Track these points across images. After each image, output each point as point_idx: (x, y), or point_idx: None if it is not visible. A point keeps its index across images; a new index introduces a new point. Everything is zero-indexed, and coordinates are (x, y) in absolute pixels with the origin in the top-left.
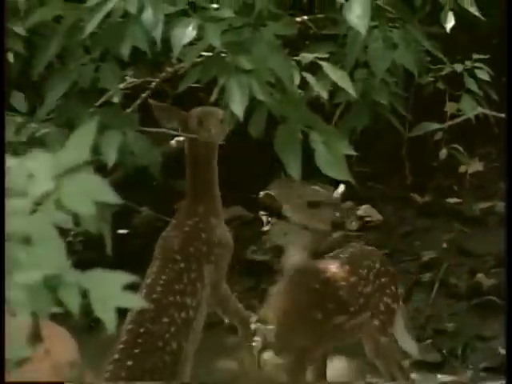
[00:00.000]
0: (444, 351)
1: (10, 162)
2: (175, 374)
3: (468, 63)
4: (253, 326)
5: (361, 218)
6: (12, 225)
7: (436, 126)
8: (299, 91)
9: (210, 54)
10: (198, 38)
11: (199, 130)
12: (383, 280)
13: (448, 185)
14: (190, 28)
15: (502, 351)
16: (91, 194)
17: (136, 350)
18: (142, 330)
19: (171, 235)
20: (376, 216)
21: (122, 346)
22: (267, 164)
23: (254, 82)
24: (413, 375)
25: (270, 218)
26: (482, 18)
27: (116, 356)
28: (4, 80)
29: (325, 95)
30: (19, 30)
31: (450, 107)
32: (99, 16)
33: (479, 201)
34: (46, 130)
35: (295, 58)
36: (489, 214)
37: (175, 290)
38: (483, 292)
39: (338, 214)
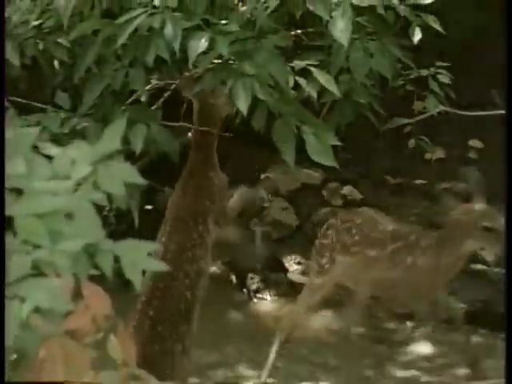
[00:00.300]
0: None
1: (56, 150)
2: (189, 320)
3: (432, 69)
4: None
5: (344, 196)
6: (57, 203)
7: (406, 120)
8: (293, 92)
9: (220, 61)
10: (210, 48)
11: (211, 93)
12: None
13: (416, 169)
14: (203, 40)
15: (456, 305)
16: (122, 177)
17: (156, 302)
18: (160, 285)
19: (178, 198)
20: (356, 195)
21: (144, 299)
22: (267, 152)
23: (256, 85)
24: (389, 324)
25: (269, 196)
26: (444, 32)
27: (140, 307)
28: (4, 80)
29: (314, 95)
30: (63, 41)
31: (417, 105)
32: (129, 30)
33: (441, 182)
34: (86, 124)
35: (290, 64)
36: (449, 192)
37: (187, 247)
38: None
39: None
